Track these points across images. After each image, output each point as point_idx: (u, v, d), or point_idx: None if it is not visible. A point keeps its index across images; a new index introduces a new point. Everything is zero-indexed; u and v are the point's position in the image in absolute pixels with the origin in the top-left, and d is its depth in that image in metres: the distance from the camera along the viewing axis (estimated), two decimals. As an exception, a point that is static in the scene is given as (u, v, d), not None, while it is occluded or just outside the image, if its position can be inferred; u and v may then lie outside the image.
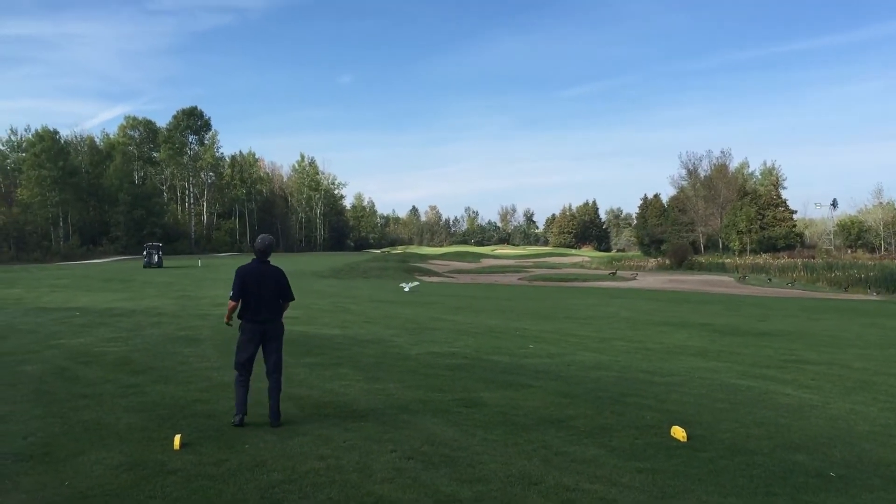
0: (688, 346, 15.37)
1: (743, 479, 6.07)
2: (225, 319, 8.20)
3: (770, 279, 55.15)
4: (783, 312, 26.13)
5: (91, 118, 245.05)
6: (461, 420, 7.90)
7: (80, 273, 50.13)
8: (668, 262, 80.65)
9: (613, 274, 57.86)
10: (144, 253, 65.33)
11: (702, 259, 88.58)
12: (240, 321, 7.81)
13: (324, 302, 25.59)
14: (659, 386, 10.34)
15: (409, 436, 7.16)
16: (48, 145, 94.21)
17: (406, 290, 35.64)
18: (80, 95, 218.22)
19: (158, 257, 64.02)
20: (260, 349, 7.86)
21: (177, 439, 6.67)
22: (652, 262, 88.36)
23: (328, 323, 18.22)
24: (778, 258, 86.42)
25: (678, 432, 7.34)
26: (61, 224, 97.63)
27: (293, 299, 8.16)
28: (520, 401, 8.99)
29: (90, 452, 6.47)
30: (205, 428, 7.39)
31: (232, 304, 7.74)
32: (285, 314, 8.17)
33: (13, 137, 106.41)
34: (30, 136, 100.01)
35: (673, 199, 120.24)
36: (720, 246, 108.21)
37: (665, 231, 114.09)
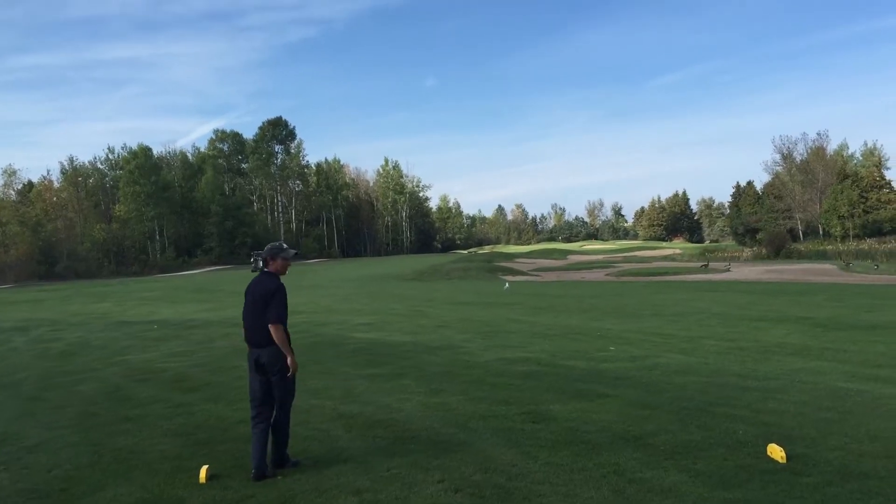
0: (786, 343, 13.98)
1: (856, 512, 5.02)
2: None
3: (877, 266, 51.70)
4: (894, 301, 24.03)
5: (188, 134, 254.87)
6: (524, 439, 7.05)
7: (172, 285, 51.40)
8: (764, 251, 76.99)
9: (705, 266, 55.32)
10: (251, 259, 71.44)
11: (801, 247, 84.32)
12: None
13: (401, 306, 25.05)
14: (753, 392, 9.19)
15: (462, 461, 6.35)
16: (142, 161, 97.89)
17: (505, 288, 36.37)
18: (177, 113, 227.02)
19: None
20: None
21: (203, 471, 6.07)
22: (747, 252, 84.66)
23: (401, 329, 17.60)
24: (885, 243, 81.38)
25: (776, 451, 6.28)
26: (157, 237, 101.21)
27: (274, 322, 6.18)
28: (593, 413, 8.07)
29: (110, 487, 5.94)
30: (240, 455, 6.79)
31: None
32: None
33: (111, 156, 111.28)
34: (125, 153, 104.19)
35: (767, 186, 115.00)
36: (820, 232, 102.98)
37: (760, 219, 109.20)
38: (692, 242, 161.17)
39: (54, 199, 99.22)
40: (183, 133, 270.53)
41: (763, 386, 9.61)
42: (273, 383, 6.30)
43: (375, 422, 7.94)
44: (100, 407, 9.29)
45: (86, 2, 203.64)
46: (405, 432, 7.48)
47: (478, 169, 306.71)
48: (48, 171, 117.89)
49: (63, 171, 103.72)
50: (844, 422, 7.59)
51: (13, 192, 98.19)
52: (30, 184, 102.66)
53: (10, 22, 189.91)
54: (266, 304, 6.31)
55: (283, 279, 6.74)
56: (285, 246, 6.94)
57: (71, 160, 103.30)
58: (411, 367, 11.70)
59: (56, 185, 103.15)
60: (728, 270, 50.30)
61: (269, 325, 6.21)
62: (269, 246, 6.95)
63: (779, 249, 73.57)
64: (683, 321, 18.48)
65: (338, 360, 12.61)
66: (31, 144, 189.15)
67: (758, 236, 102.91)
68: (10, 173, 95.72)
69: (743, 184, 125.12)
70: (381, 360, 12.40)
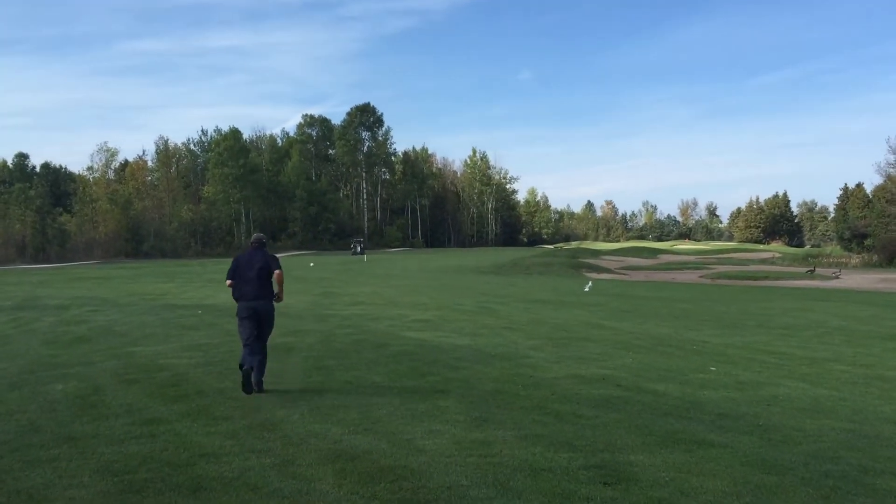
0: (940, 373, 11.03)
1: None
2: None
3: None
4: None
5: (285, 122, 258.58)
6: (589, 518, 4.67)
7: (246, 267, 50.52)
8: (876, 258, 71.09)
9: (812, 272, 50.77)
10: (351, 245, 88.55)
11: (917, 255, 77.57)
12: (237, 305, 8.65)
13: (469, 301, 22.76)
14: (925, 453, 6.50)
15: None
16: (231, 144, 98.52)
17: (587, 287, 33.46)
18: (277, 101, 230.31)
19: (361, 248, 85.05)
20: None
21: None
22: (855, 258, 78.63)
23: (461, 329, 15.30)
24: None
25: None
26: (243, 220, 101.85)
27: (279, 269, 8.73)
28: (693, 475, 5.60)
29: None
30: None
31: (228, 282, 8.74)
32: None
33: (203, 138, 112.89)
34: (216, 135, 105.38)
35: (879, 189, 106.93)
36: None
37: (870, 224, 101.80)
38: (791, 246, 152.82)
39: (147, 178, 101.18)
40: (281, 121, 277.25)
41: (937, 443, 6.89)
42: (262, 327, 8.57)
43: (382, 470, 5.66)
44: (53, 417, 7.37)
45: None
46: (418, 492, 5.20)
47: (568, 164, 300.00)
48: (143, 151, 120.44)
49: (157, 152, 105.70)
50: None
51: (111, 171, 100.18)
52: (126, 163, 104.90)
53: (125, 7, 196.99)
54: (265, 262, 8.66)
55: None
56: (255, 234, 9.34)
57: (165, 141, 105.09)
58: (458, 381, 9.40)
59: (150, 164, 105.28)
60: (837, 277, 45.94)
61: (277, 272, 8.73)
62: (260, 235, 9.28)
63: (892, 256, 67.72)
64: (798, 336, 15.56)
65: (373, 366, 10.44)
66: (137, 127, 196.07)
67: (866, 242, 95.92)
68: (112, 153, 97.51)
69: (851, 186, 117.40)
70: (423, 369, 10.15)
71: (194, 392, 8.54)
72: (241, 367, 8.31)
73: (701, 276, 49.72)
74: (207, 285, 30.58)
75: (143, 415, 7.45)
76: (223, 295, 25.08)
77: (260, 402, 7.94)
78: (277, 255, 11.85)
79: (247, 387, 8.15)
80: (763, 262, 77.17)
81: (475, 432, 6.84)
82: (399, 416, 7.44)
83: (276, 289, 8.68)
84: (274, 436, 6.64)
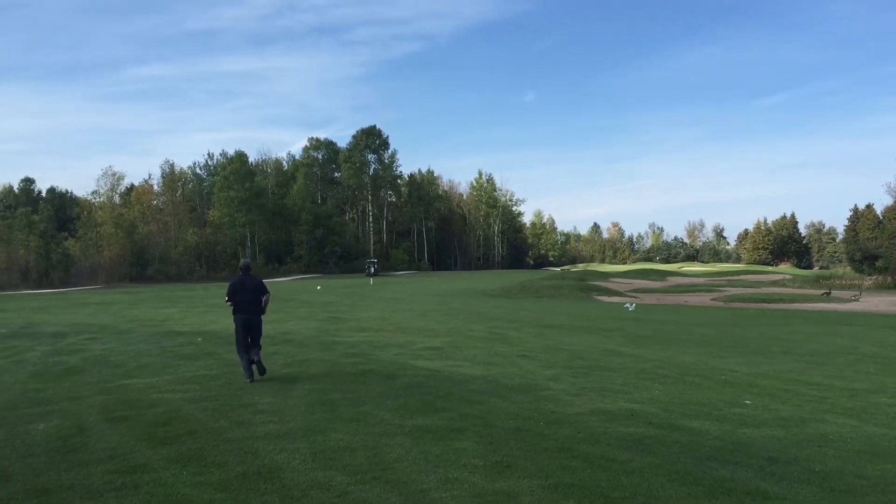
0: None
1: None
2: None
3: None
4: None
5: (291, 145, 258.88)
6: None
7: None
8: (889, 279, 69.99)
9: (827, 294, 49.79)
10: (366, 266, 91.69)
11: (929, 276, 76.38)
12: (233, 316, 11.36)
13: (480, 327, 21.94)
14: None
15: None
16: (237, 167, 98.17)
17: (630, 308, 35.17)
18: (283, 124, 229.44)
19: (375, 269, 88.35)
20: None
21: None
22: (868, 280, 77.50)
23: (474, 357, 14.51)
24: None
25: None
26: (249, 244, 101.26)
27: (268, 293, 11.76)
28: (754, 537, 4.81)
29: None
30: None
31: (228, 302, 11.34)
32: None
33: (209, 162, 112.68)
34: (222, 159, 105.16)
35: (890, 210, 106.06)
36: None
37: (881, 245, 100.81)
38: (800, 268, 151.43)
39: (153, 202, 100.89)
40: (287, 144, 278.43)
41: None
42: (255, 336, 11.36)
43: (394, 531, 4.91)
44: (28, 463, 6.64)
45: (201, 15, 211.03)
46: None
47: (574, 186, 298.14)
48: (149, 175, 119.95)
49: (163, 175, 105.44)
50: None
51: (116, 195, 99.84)
52: (132, 187, 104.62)
53: (132, 34, 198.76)
54: (256, 288, 11.55)
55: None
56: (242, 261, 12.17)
57: (171, 165, 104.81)
58: (475, 417, 8.62)
59: (156, 188, 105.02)
60: (856, 300, 44.92)
61: (266, 296, 11.69)
62: (248, 261, 12.20)
63: (906, 279, 66.68)
64: (829, 364, 14.72)
65: (382, 399, 9.66)
66: (143, 152, 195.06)
67: (878, 263, 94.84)
68: (118, 177, 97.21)
69: (861, 207, 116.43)
70: (437, 404, 9.36)
71: (186, 432, 7.78)
72: (247, 358, 11.14)
73: (713, 299, 48.77)
74: (210, 310, 29.82)
75: (127, 460, 6.70)
76: (225, 320, 24.37)
77: (257, 445, 7.19)
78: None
79: (248, 373, 11.00)
80: (774, 283, 76.06)
81: (497, 481, 6.07)
82: (411, 461, 6.68)
83: (263, 304, 11.58)
84: (271, 486, 5.90)
